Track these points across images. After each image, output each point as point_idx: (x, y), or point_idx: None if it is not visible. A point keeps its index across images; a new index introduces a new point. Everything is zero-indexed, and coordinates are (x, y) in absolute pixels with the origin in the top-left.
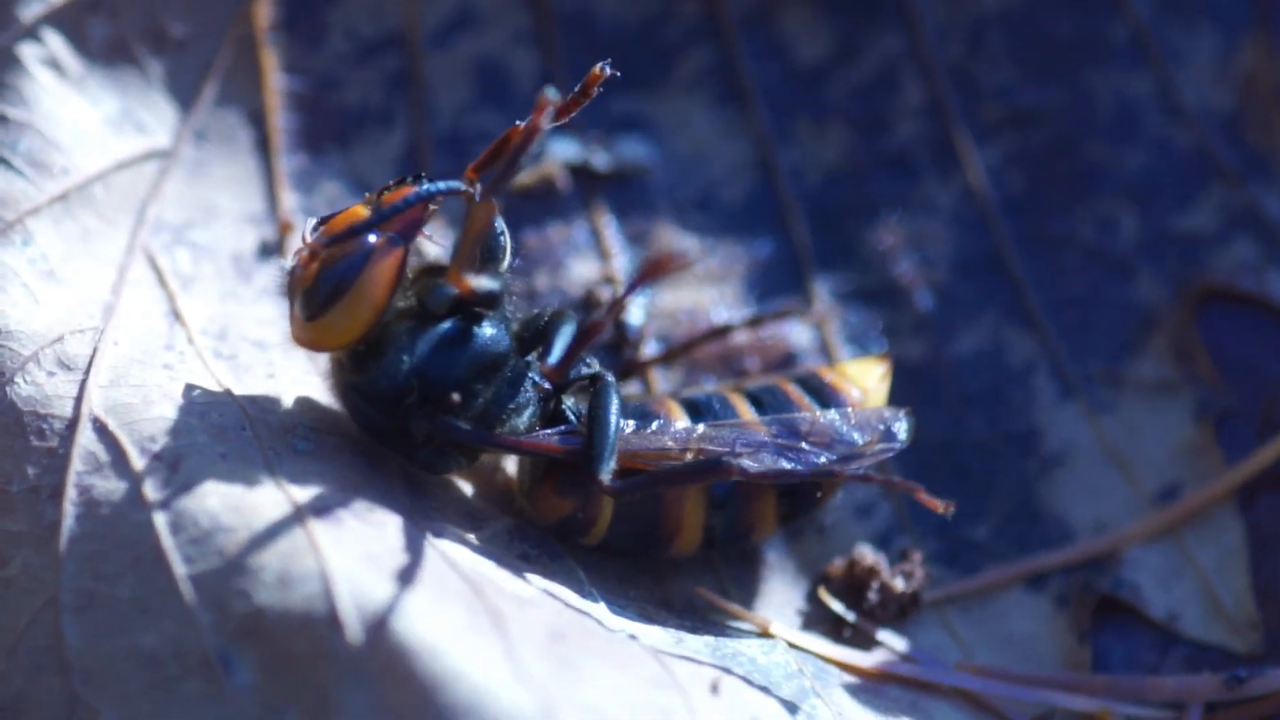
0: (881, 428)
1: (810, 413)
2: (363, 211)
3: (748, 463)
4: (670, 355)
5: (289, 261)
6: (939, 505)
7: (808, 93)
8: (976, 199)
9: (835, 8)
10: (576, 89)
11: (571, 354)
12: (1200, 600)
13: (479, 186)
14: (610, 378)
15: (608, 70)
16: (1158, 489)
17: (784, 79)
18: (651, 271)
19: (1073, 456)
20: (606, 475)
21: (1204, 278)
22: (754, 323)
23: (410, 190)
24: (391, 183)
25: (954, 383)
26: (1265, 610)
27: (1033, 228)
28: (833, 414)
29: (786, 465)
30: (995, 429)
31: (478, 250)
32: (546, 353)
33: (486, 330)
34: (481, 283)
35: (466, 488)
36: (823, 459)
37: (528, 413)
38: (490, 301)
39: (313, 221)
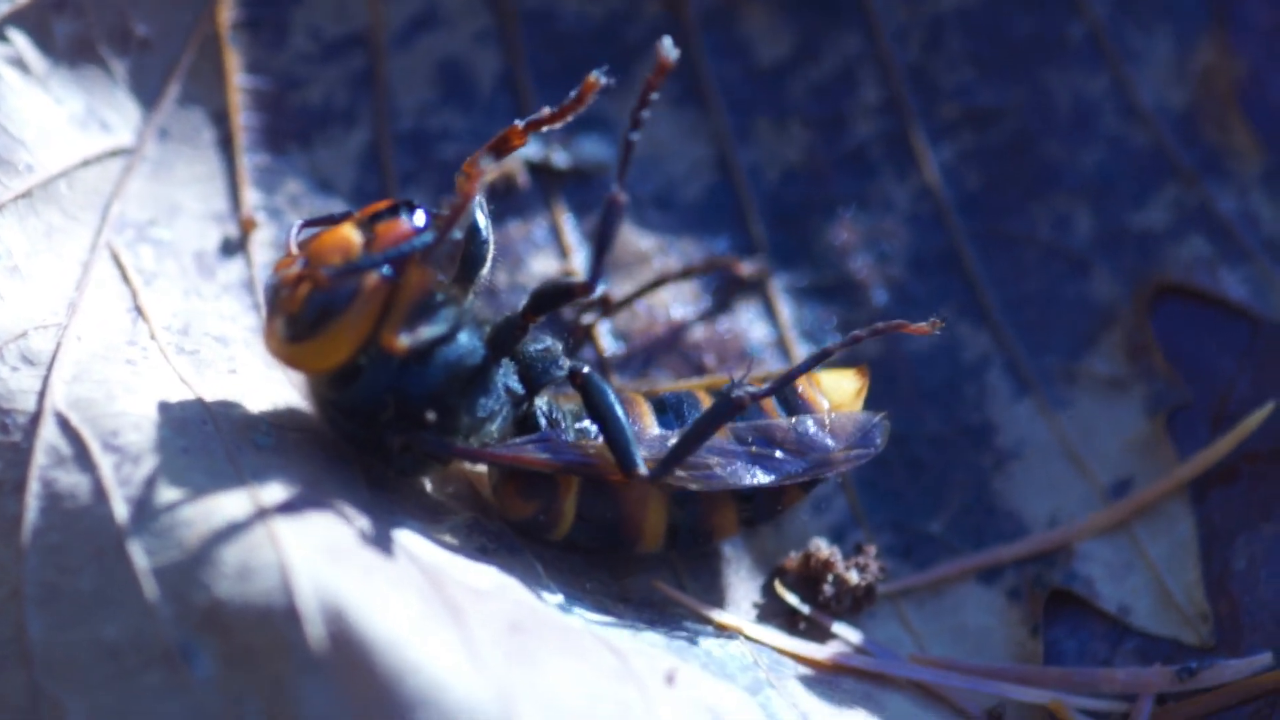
0: (857, 433)
1: (784, 420)
2: (353, 238)
3: (752, 389)
4: (621, 304)
5: (274, 274)
6: (925, 328)
7: (767, 92)
8: (933, 196)
9: (795, 8)
10: (572, 95)
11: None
12: (1152, 593)
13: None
14: (589, 370)
15: (604, 79)
16: (1110, 483)
17: (744, 79)
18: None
19: (1027, 451)
20: (643, 468)
21: (1158, 274)
22: (687, 272)
23: (409, 234)
24: (383, 208)
25: (909, 378)
26: (1216, 603)
27: (988, 225)
28: (808, 420)
29: (761, 475)
30: (950, 424)
31: (410, 310)
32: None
33: (461, 344)
34: (418, 337)
35: (427, 482)
36: (797, 467)
37: (500, 419)
38: (434, 345)
39: (297, 226)
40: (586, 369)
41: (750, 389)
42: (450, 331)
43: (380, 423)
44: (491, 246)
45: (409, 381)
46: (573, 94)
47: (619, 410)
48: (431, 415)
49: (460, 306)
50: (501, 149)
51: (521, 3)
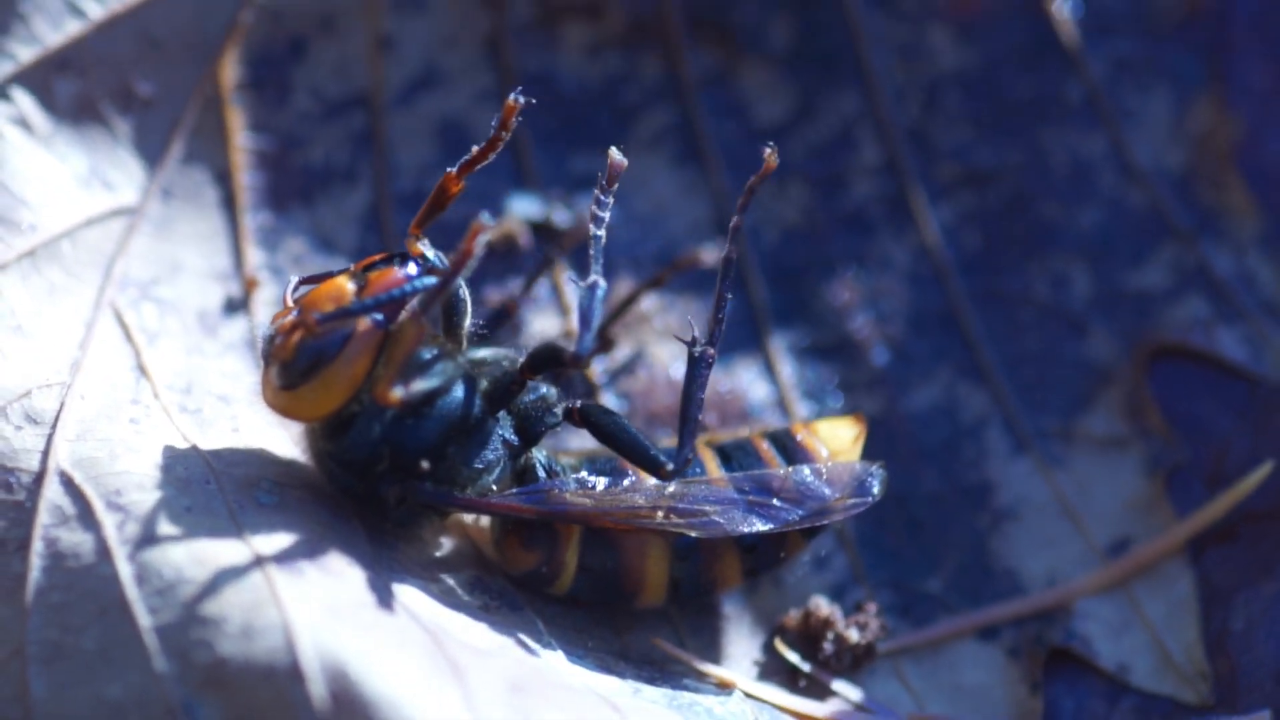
0: (854, 482)
1: (781, 469)
2: (346, 286)
3: (706, 339)
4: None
5: (269, 325)
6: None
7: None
8: (931, 256)
9: (794, 68)
10: (495, 124)
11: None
12: (1150, 651)
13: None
14: (583, 403)
15: (521, 100)
16: (1108, 542)
17: (743, 138)
18: (676, 269)
19: (1025, 510)
20: (670, 465)
21: (1155, 334)
22: (656, 283)
23: (401, 281)
24: (379, 259)
25: (908, 437)
26: (1215, 661)
27: (987, 285)
28: (805, 470)
29: (759, 523)
30: (948, 483)
31: (404, 362)
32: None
33: (456, 396)
34: (413, 391)
35: (429, 539)
36: (794, 515)
37: (498, 471)
38: (429, 399)
39: (294, 282)
40: (580, 402)
41: (705, 340)
42: (445, 384)
43: (376, 474)
44: (466, 290)
45: (403, 432)
46: (494, 123)
47: (625, 424)
48: (426, 466)
49: (454, 360)
50: (441, 201)
51: (521, 64)
